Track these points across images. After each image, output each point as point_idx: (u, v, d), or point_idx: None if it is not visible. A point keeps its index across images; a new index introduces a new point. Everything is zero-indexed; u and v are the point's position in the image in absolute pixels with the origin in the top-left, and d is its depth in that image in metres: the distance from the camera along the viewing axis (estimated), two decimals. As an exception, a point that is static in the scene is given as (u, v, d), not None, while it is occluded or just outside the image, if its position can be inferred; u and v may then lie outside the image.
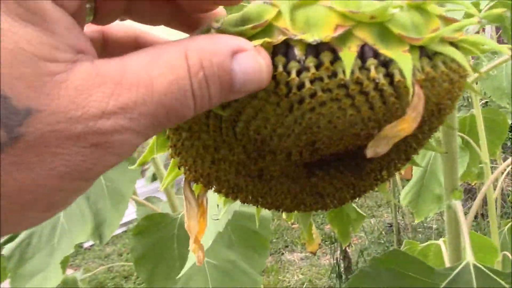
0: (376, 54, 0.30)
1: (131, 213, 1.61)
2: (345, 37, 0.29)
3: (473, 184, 2.73)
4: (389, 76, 0.30)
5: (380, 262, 0.73)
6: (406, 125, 0.30)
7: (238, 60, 0.28)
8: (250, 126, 0.32)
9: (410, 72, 0.29)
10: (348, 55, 0.29)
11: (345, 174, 0.39)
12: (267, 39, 0.30)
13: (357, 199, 0.44)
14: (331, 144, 0.33)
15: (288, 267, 3.39)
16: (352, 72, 0.29)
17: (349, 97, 0.30)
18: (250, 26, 0.30)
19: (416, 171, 1.44)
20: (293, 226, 3.84)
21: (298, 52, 0.30)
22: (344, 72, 0.29)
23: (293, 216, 0.94)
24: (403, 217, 3.10)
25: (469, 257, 0.74)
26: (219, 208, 0.44)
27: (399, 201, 2.64)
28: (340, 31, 0.29)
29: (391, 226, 3.30)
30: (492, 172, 1.35)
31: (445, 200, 0.83)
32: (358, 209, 1.52)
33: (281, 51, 0.30)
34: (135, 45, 0.35)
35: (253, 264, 1.08)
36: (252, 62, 0.28)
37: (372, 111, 0.31)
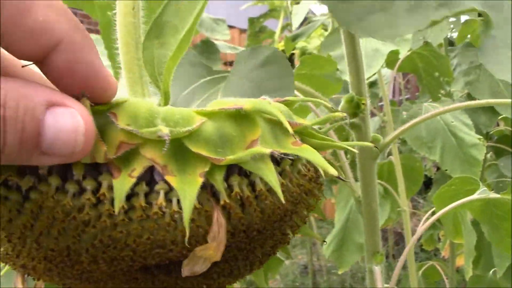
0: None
1: None
2: (128, 156, 0.27)
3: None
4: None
5: None
6: (211, 253, 0.27)
7: (53, 113, 0.23)
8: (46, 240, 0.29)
9: (189, 207, 0.26)
10: (122, 183, 0.26)
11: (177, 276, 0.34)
12: None
13: None
14: (146, 260, 0.30)
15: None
16: (129, 198, 0.27)
17: (146, 219, 0.27)
18: None
19: (339, 220, 1.39)
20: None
21: (75, 171, 0.26)
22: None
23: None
24: (318, 259, 3.06)
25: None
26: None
27: (313, 243, 2.61)
28: (122, 150, 0.26)
29: (306, 268, 3.24)
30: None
31: (367, 264, 0.77)
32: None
33: (56, 168, 0.27)
34: None
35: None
36: (69, 120, 0.24)
37: (172, 234, 0.28)
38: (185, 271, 0.28)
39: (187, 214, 0.25)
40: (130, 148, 0.26)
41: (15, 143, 0.22)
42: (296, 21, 1.66)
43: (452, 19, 1.51)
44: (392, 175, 1.40)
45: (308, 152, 0.29)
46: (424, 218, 1.52)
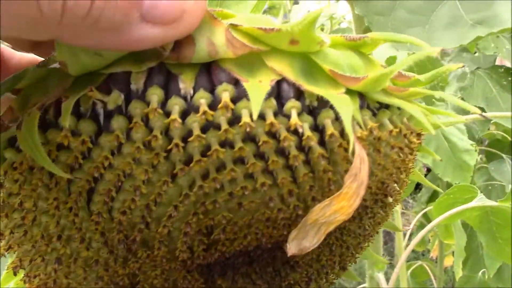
0: (299, 95, 0.20)
1: None
2: (250, 66, 0.20)
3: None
4: (318, 130, 0.20)
5: None
6: (344, 203, 0.19)
7: None
8: (113, 202, 0.21)
9: (350, 119, 0.19)
10: (258, 88, 0.19)
11: (259, 286, 0.28)
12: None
13: None
14: (237, 234, 0.23)
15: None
16: (263, 117, 0.19)
17: (260, 157, 0.19)
18: None
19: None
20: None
21: (183, 82, 0.19)
22: (251, 115, 0.19)
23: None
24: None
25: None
26: None
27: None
28: (243, 52, 0.19)
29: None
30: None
31: (368, 270, 0.78)
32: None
33: (157, 80, 0.19)
34: None
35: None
36: None
37: (294, 182, 0.21)
38: (292, 248, 0.19)
39: (348, 124, 0.19)
40: (249, 52, 0.20)
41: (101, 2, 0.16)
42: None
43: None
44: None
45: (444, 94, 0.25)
46: (414, 220, 1.55)
